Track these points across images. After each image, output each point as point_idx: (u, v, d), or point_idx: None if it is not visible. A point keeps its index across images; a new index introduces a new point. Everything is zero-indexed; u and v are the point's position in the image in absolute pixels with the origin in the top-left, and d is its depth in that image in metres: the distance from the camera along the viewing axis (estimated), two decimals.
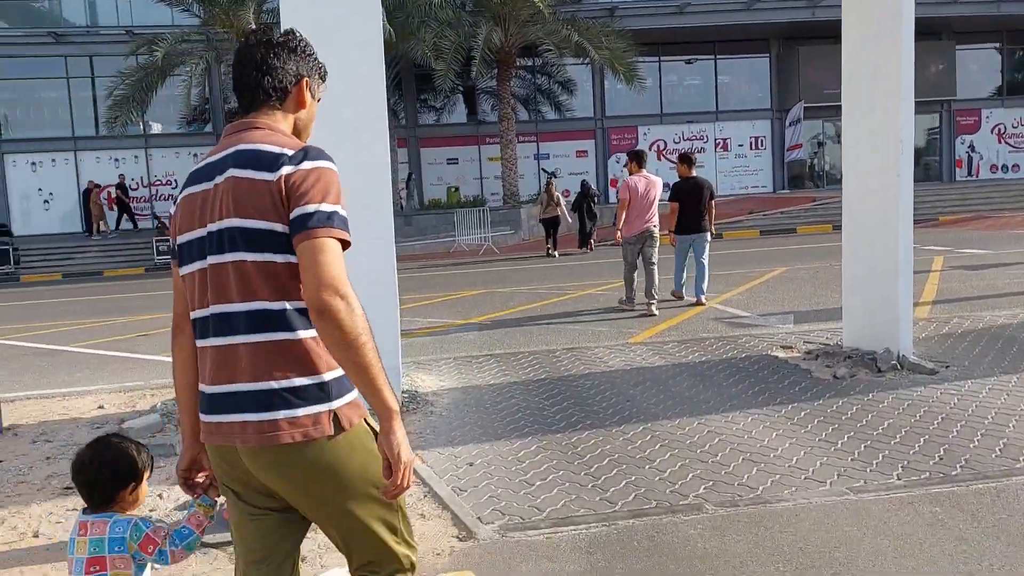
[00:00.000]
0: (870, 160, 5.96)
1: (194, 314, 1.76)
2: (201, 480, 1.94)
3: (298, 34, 1.85)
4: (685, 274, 9.28)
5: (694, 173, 9.35)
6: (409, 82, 25.43)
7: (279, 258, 1.64)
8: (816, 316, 7.92)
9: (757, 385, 5.38)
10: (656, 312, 8.44)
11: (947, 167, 28.49)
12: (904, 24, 5.53)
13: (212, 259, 1.69)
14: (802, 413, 4.70)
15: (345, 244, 1.66)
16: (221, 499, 1.93)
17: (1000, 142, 28.58)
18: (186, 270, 1.76)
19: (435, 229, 22.21)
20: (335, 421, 1.68)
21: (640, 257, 8.72)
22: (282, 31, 1.85)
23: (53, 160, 24.56)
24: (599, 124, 27.61)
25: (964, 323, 7.02)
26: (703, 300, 8.92)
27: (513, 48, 22.34)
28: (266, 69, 1.77)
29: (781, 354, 6.31)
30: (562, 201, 17.76)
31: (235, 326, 1.67)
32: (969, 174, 28.37)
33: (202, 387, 1.76)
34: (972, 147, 28.52)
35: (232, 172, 1.67)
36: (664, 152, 27.74)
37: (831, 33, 26.69)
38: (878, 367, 5.57)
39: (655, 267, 8.64)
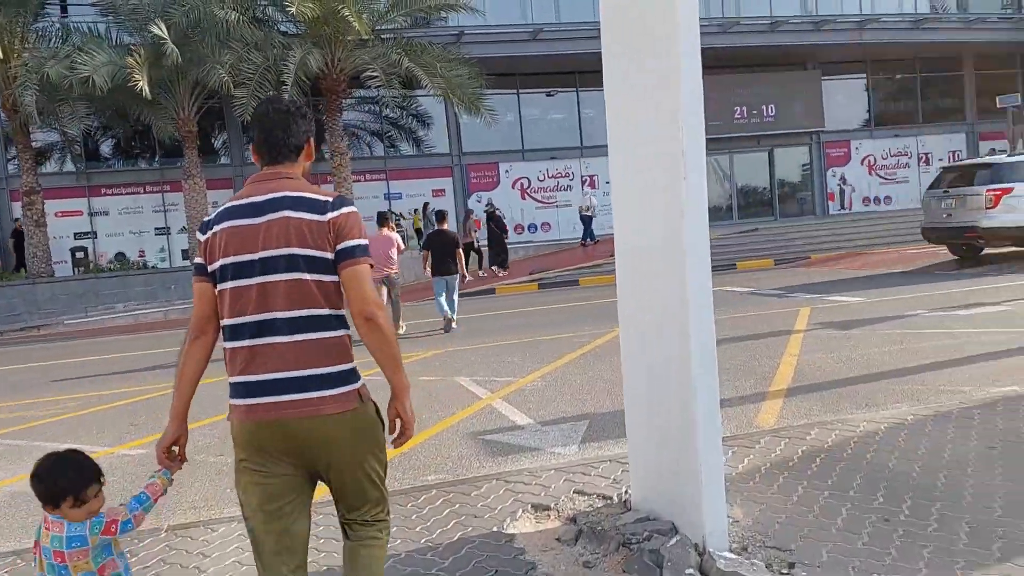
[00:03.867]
0: (642, 210, 3.47)
1: (238, 320, 2.18)
2: (175, 454, 2.35)
3: (300, 102, 2.44)
4: (445, 305, 11.11)
5: (445, 227, 11.59)
6: (233, 115, 22.13)
7: (327, 277, 2.18)
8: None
9: None
10: (404, 328, 11.02)
11: (820, 201, 27.44)
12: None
13: (268, 278, 2.15)
14: None
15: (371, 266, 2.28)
16: (174, 477, 2.40)
17: (871, 174, 27.80)
18: (228, 285, 2.19)
19: None
20: (359, 397, 2.24)
21: (388, 294, 10.64)
22: (291, 99, 2.39)
23: None
24: (456, 160, 25.14)
25: (828, 437, 4.58)
26: (453, 322, 11.13)
27: (343, 75, 19.61)
28: (290, 132, 2.30)
29: (526, 528, 3.64)
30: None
31: (293, 327, 2.15)
32: (842, 207, 27.40)
33: (248, 377, 2.17)
34: (844, 179, 27.62)
35: (287, 213, 2.16)
36: (528, 190, 25.53)
37: (708, 62, 25.43)
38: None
39: (399, 299, 10.85)
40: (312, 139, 2.35)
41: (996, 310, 8.92)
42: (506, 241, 20.38)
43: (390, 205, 24.42)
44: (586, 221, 22.88)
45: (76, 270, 20.04)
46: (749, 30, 24.60)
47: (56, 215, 21.33)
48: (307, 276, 2.13)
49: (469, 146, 25.18)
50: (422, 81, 18.34)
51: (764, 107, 26.15)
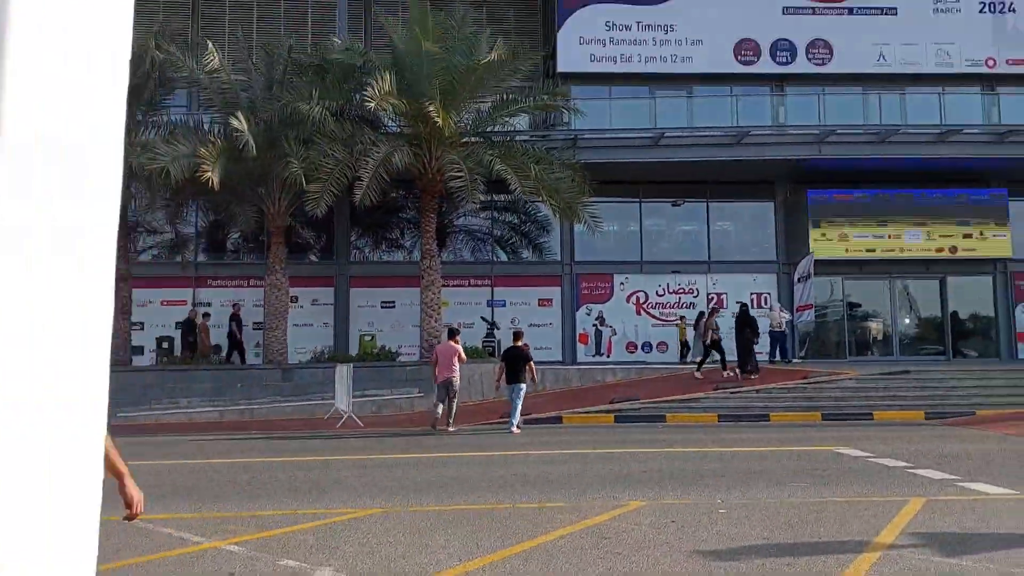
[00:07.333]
0: None
1: None
2: None
3: None
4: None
5: (520, 343, 13.98)
6: (341, 211, 21.56)
7: None
8: None
9: None
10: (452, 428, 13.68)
11: (1006, 342, 22.82)
12: None
13: None
14: None
15: None
16: None
17: None
18: None
19: (322, 387, 17.91)
20: None
21: (447, 393, 13.66)
22: None
23: None
24: (567, 270, 23.33)
25: None
26: (513, 429, 13.13)
27: (439, 175, 18.65)
28: None
29: None
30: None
31: None
32: None
33: None
34: None
35: None
36: (644, 305, 23.10)
37: (846, 177, 21.80)
38: None
39: (456, 401, 13.83)
40: None
41: None
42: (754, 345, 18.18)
43: (493, 313, 22.89)
44: (778, 338, 20.16)
45: (159, 360, 19.87)
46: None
47: (162, 303, 21.73)
48: None
49: (582, 255, 23.37)
50: (510, 183, 16.93)
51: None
